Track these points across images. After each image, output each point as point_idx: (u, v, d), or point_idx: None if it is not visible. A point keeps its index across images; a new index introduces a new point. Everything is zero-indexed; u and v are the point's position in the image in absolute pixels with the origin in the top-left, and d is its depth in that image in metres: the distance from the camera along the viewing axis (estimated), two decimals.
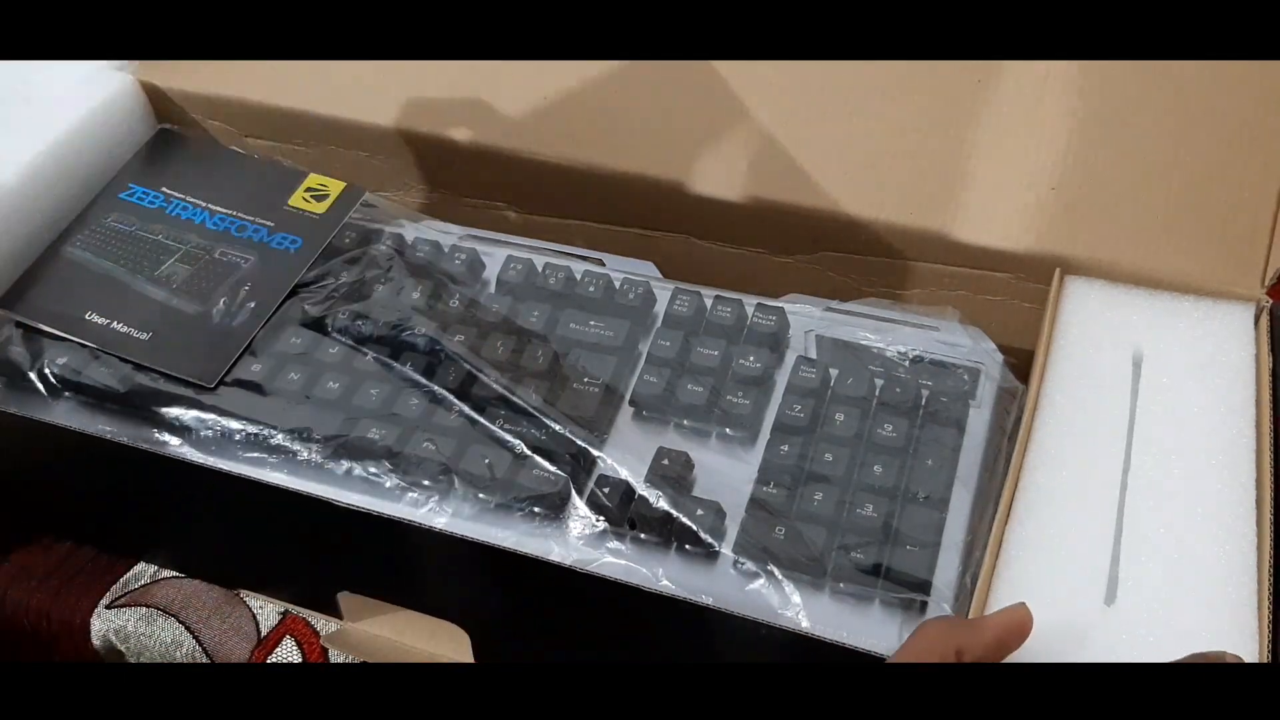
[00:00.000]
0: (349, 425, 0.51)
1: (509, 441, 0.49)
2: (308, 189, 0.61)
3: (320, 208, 0.60)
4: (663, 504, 0.47)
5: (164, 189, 0.61)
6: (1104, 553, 0.42)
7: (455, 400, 0.51)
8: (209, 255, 0.58)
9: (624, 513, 0.48)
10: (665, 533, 0.47)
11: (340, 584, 0.50)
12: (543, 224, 0.62)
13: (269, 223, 0.59)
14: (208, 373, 0.53)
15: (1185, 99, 0.53)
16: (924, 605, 0.44)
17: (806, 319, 0.54)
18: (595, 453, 0.49)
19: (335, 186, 0.61)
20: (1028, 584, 0.42)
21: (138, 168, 0.62)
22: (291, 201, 0.60)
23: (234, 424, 0.51)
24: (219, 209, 0.60)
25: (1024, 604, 0.38)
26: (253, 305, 0.56)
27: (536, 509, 0.48)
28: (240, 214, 0.60)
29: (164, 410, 0.52)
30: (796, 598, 0.45)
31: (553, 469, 0.48)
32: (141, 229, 0.59)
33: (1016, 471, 0.45)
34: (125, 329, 0.55)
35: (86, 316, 0.56)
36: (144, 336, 0.55)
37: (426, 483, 0.49)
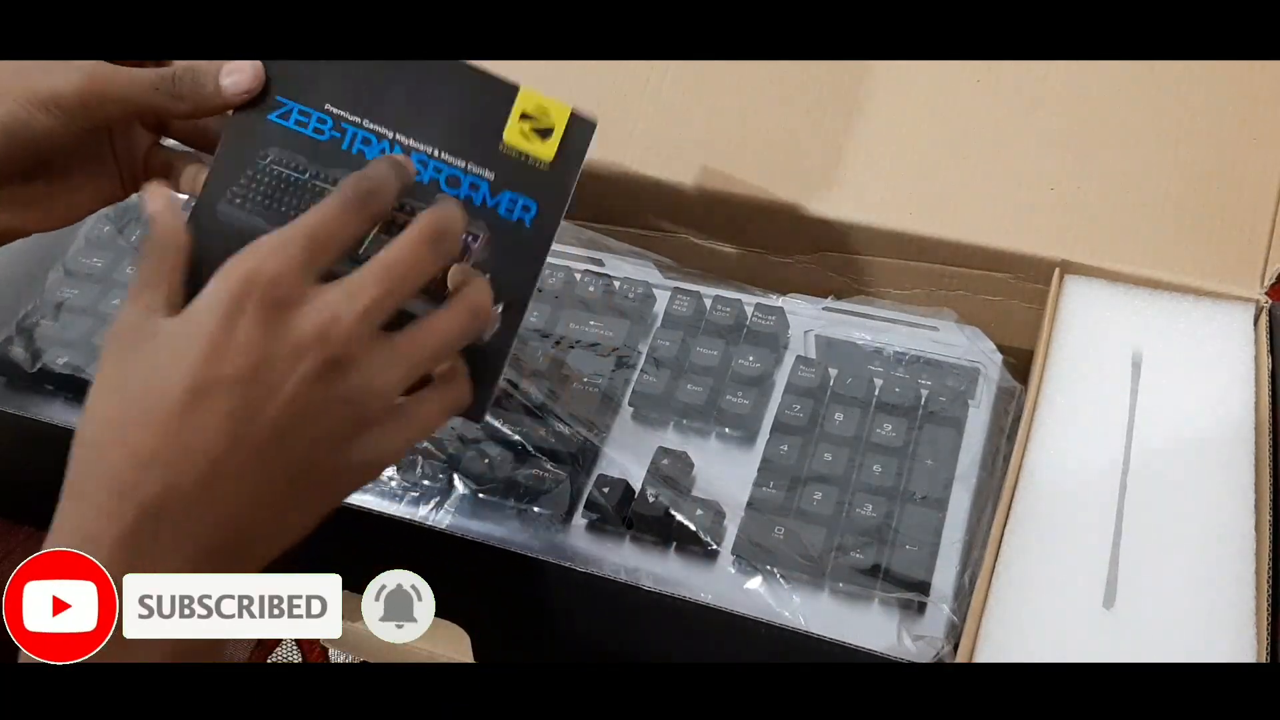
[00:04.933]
0: None
1: (509, 441, 0.50)
2: (523, 115, 0.42)
3: (546, 151, 0.41)
4: (662, 504, 0.47)
5: (329, 107, 0.42)
6: (1103, 552, 0.42)
7: None
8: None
9: (623, 512, 0.48)
10: (664, 532, 0.47)
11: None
12: None
13: (488, 173, 0.41)
14: (475, 406, 0.40)
15: (1185, 99, 0.53)
16: (922, 605, 0.44)
17: (806, 319, 0.54)
18: (595, 452, 0.49)
19: (557, 112, 0.41)
20: (1027, 584, 0.42)
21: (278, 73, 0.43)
22: (508, 139, 0.41)
23: None
24: (416, 144, 0.42)
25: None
26: (499, 309, 0.40)
27: (536, 508, 0.48)
28: (448, 154, 0.42)
29: None
30: (795, 597, 0.45)
31: (552, 469, 0.48)
32: (309, 172, 0.41)
33: (1016, 471, 0.45)
34: None
35: None
36: None
37: (427, 483, 0.49)
